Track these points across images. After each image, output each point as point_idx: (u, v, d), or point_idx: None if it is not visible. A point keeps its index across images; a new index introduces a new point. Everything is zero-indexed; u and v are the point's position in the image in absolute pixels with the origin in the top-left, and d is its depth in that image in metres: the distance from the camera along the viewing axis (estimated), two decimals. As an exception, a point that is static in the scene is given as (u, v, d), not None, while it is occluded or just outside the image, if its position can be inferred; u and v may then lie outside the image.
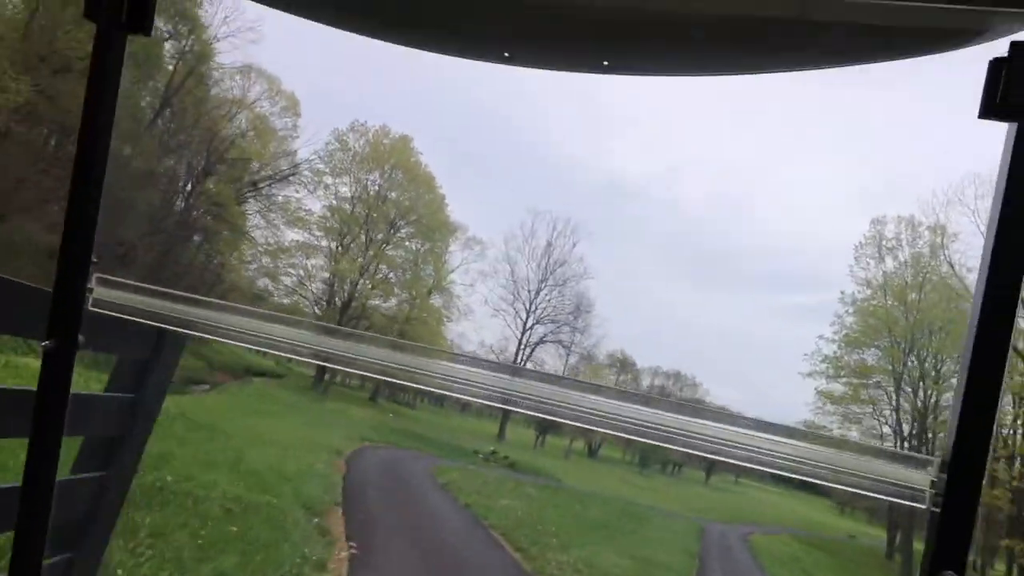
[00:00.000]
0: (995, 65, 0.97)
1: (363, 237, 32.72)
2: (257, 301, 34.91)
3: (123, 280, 1.34)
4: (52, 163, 20.20)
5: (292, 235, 33.25)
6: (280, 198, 33.71)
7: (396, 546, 9.64)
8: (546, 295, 38.88)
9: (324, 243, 32.93)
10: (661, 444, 1.13)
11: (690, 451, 1.14)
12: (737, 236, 46.07)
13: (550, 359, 37.94)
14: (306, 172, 33.41)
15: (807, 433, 1.09)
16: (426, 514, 13.53)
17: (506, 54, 1.32)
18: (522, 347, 36.43)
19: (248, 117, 33.18)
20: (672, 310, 49.99)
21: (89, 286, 1.30)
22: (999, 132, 0.99)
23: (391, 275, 33.41)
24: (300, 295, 33.71)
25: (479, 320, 43.93)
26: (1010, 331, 0.94)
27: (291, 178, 33.70)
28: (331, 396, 30.41)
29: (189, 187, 32.27)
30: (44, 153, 22.20)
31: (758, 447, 1.08)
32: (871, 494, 1.04)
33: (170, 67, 30.38)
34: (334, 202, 32.50)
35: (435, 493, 16.16)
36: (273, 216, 33.82)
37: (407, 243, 33.94)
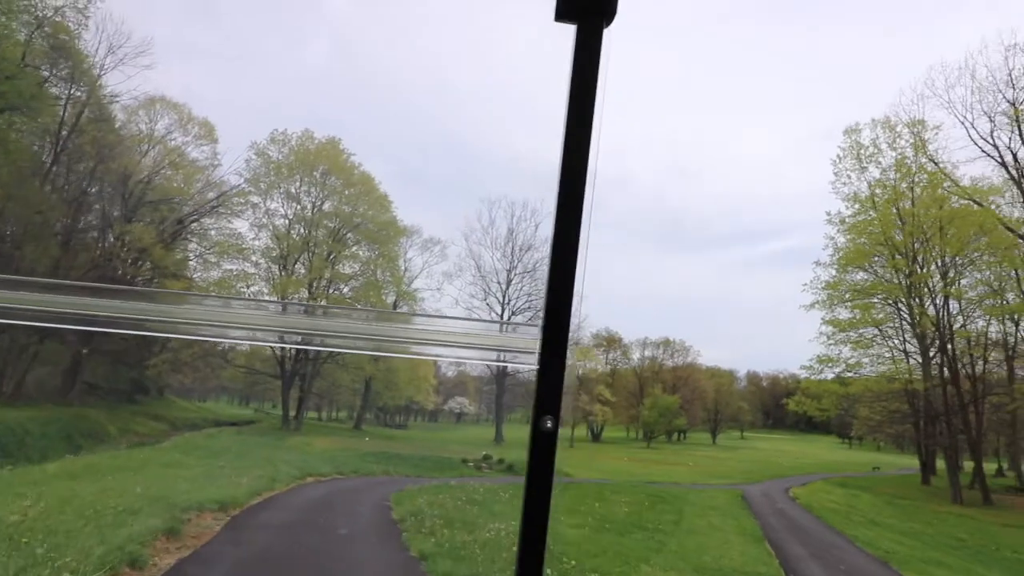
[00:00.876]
0: None
1: (307, 255, 29.88)
2: (217, 352, 31.95)
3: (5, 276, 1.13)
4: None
5: (231, 267, 30.34)
6: (213, 232, 30.84)
7: None
8: (518, 284, 36.95)
9: (265, 269, 30.05)
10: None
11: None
12: (691, 202, 45.90)
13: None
14: (234, 199, 30.53)
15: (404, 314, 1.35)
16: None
17: None
18: (502, 340, 34.41)
19: (161, 152, 30.21)
20: (647, 281, 49.10)
21: None
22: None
23: (346, 289, 30.63)
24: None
25: (453, 322, 41.93)
26: (580, 211, 1.10)
27: (219, 209, 30.81)
28: (303, 432, 27.58)
29: (110, 238, 29.28)
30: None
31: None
32: (493, 361, 1.21)
33: (58, 108, 27.26)
34: (265, 221, 29.64)
35: (367, 544, 10.75)
36: (209, 254, 30.96)
37: (358, 251, 31.19)
